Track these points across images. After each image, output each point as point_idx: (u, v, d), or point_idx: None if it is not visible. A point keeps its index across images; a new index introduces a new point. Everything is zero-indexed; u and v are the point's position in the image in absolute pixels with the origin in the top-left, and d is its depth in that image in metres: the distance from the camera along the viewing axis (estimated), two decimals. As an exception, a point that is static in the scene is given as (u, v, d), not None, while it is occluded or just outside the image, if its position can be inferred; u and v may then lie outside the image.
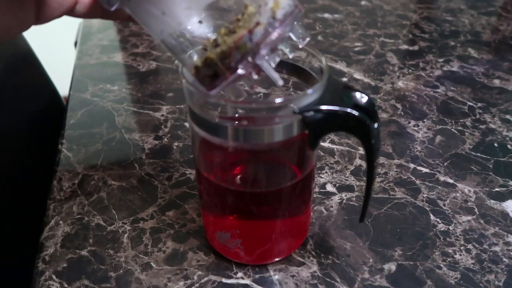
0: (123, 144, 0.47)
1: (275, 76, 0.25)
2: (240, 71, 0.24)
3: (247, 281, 0.33)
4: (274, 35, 0.23)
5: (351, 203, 0.39)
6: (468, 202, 0.40)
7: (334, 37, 0.70)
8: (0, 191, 0.50)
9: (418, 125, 0.50)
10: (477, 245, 0.35)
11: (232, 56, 0.24)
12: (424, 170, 0.43)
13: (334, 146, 0.46)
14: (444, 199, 0.40)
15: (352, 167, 0.43)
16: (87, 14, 0.31)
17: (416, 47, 0.67)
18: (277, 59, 0.25)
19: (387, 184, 0.41)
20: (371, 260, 0.34)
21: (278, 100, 0.25)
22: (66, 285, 0.33)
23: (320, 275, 0.33)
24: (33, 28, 0.31)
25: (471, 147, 0.46)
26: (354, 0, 0.85)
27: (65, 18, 0.32)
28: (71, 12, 0.31)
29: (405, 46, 0.68)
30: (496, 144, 0.47)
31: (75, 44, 0.72)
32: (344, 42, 0.69)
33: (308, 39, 0.26)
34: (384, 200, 0.40)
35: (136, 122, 0.50)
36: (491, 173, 0.43)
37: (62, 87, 0.71)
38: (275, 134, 0.26)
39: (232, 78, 0.24)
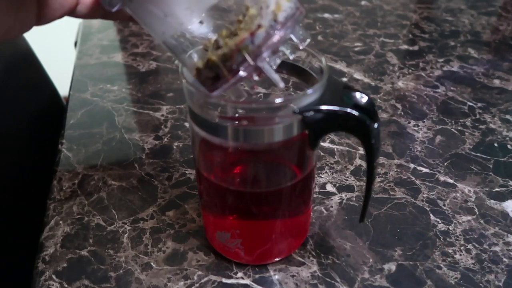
0: (123, 144, 0.47)
1: (277, 78, 0.25)
2: (241, 73, 0.24)
3: (247, 281, 0.33)
4: (276, 37, 0.23)
5: (351, 203, 0.39)
6: (468, 202, 0.40)
7: (334, 37, 0.70)
8: (0, 191, 0.50)
9: (418, 125, 0.50)
10: (477, 245, 0.35)
11: (234, 59, 0.24)
12: (424, 170, 0.43)
13: (334, 146, 0.46)
14: (444, 199, 0.40)
15: (352, 167, 0.43)
16: (88, 14, 0.31)
17: (416, 47, 0.67)
18: (278, 61, 0.26)
19: (387, 184, 0.41)
20: (371, 260, 0.34)
21: (278, 100, 0.25)
22: (66, 285, 0.33)
23: (320, 275, 0.33)
24: (33, 28, 0.31)
25: (471, 147, 0.46)
26: (354, 0, 0.85)
27: (65, 18, 0.32)
28: (72, 12, 0.31)
29: (405, 46, 0.68)
30: (496, 144, 0.47)
31: (75, 44, 0.72)
32: (344, 42, 0.69)
33: (308, 40, 0.26)
34: (384, 200, 0.40)
35: (136, 122, 0.50)
36: (491, 173, 0.43)
37: (62, 87, 0.71)
38: (275, 134, 0.26)
39: (234, 81, 0.24)
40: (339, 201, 0.39)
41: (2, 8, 0.28)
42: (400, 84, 0.58)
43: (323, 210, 0.39)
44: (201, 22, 0.26)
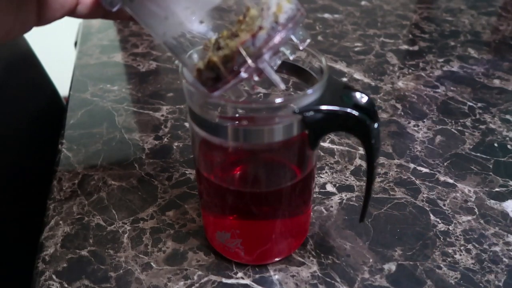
0: (123, 144, 0.47)
1: (277, 79, 0.25)
2: (242, 74, 0.24)
3: (247, 281, 0.33)
4: (277, 39, 0.24)
5: (351, 203, 0.39)
6: (468, 202, 0.40)
7: (334, 37, 0.70)
8: (0, 191, 0.50)
9: (418, 125, 0.50)
10: (477, 245, 0.35)
11: (235, 60, 0.24)
12: (424, 170, 0.43)
13: (334, 146, 0.46)
14: (444, 199, 0.40)
15: (352, 167, 0.43)
16: (89, 14, 0.31)
17: (416, 47, 0.67)
18: (279, 62, 0.26)
19: (387, 184, 0.41)
20: (371, 260, 0.34)
21: (278, 100, 0.25)
22: (66, 285, 0.33)
23: (320, 275, 0.33)
24: (33, 28, 0.31)
25: (471, 147, 0.46)
26: (354, 0, 0.85)
27: (65, 18, 0.32)
28: (72, 13, 0.31)
29: (405, 46, 0.68)
30: (496, 144, 0.47)
31: (75, 44, 0.72)
32: (344, 42, 0.69)
33: (308, 40, 0.26)
34: (384, 200, 0.40)
35: (136, 122, 0.50)
36: (491, 173, 0.43)
37: (62, 87, 0.71)
38: (275, 134, 0.26)
39: (235, 82, 0.24)
40: (339, 201, 0.39)
41: (2, 9, 0.28)
42: (400, 84, 0.58)
43: (323, 210, 0.39)
44: (201, 22, 0.26)
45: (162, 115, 0.51)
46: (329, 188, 0.41)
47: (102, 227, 0.37)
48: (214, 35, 0.26)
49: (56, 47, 1.39)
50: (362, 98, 0.26)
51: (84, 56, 0.65)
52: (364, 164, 0.44)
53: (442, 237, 0.36)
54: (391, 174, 0.43)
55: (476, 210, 0.39)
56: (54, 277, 0.33)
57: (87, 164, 0.44)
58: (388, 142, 0.47)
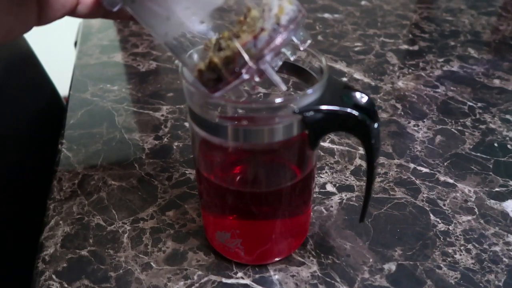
0: (123, 144, 0.47)
1: (279, 80, 0.25)
2: (244, 76, 0.24)
3: (247, 281, 0.33)
4: (278, 40, 0.24)
5: (351, 203, 0.39)
6: (468, 202, 0.40)
7: (334, 37, 0.70)
8: (0, 191, 0.50)
9: (418, 125, 0.50)
10: (477, 245, 0.35)
11: (236, 62, 0.24)
12: (424, 170, 0.43)
13: (334, 146, 0.46)
14: (444, 199, 0.40)
15: (352, 167, 0.43)
16: (89, 14, 0.31)
17: (416, 47, 0.67)
18: (280, 63, 0.26)
19: (387, 184, 0.41)
20: (371, 260, 0.34)
21: (278, 100, 0.25)
22: (66, 285, 0.33)
23: (320, 275, 0.33)
24: (33, 28, 0.31)
25: (471, 147, 0.46)
26: (354, 0, 0.85)
27: (65, 18, 0.32)
28: (73, 12, 0.31)
29: (405, 46, 0.68)
30: (496, 144, 0.47)
31: (75, 44, 0.72)
32: (344, 42, 0.69)
33: (309, 41, 0.26)
34: (384, 200, 0.40)
35: (136, 122, 0.50)
36: (491, 173, 0.43)
37: (62, 87, 0.71)
38: (275, 134, 0.26)
39: (236, 83, 0.24)
40: (339, 201, 0.39)
41: (3, 9, 0.28)
42: (400, 84, 0.58)
43: (323, 210, 0.39)
44: (201, 22, 0.26)
45: (162, 115, 0.51)
46: (329, 188, 0.41)
47: (102, 227, 0.37)
48: (215, 35, 0.26)
49: (56, 47, 1.39)
50: (362, 98, 0.26)
51: (84, 56, 0.65)
52: (364, 164, 0.44)
53: (442, 237, 0.36)
54: (391, 174, 0.43)
55: (476, 210, 0.39)
56: (54, 277, 0.33)
57: (87, 164, 0.44)
58: (388, 142, 0.47)
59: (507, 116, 0.51)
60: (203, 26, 0.26)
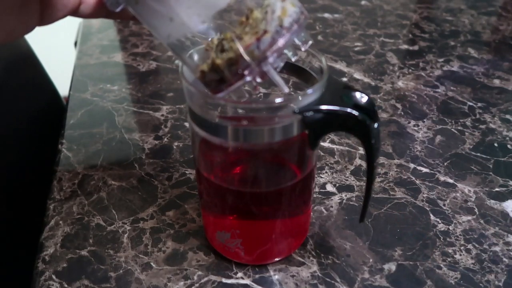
0: (123, 144, 0.47)
1: (281, 82, 0.25)
2: (247, 78, 0.24)
3: (247, 281, 0.33)
4: (281, 42, 0.24)
5: (351, 203, 0.39)
6: (468, 202, 0.40)
7: (334, 37, 0.70)
8: (0, 191, 0.50)
9: (418, 125, 0.50)
10: (477, 245, 0.35)
11: (239, 63, 0.24)
12: (424, 170, 0.43)
13: (334, 146, 0.46)
14: (444, 199, 0.40)
15: (352, 167, 0.43)
16: (92, 14, 0.31)
17: (416, 47, 0.67)
18: (281, 64, 0.26)
19: (387, 184, 0.41)
20: (371, 260, 0.34)
21: (278, 100, 0.25)
22: (66, 285, 0.33)
23: (320, 275, 0.33)
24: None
25: (471, 147, 0.46)
26: (354, 0, 0.85)
27: (66, 18, 0.32)
28: (75, 12, 0.31)
29: (405, 46, 0.68)
30: (496, 144, 0.47)
31: (75, 44, 0.72)
32: (344, 42, 0.69)
33: (310, 42, 0.26)
34: (384, 200, 0.40)
35: (136, 122, 0.50)
36: (491, 173, 0.43)
37: (62, 87, 0.71)
38: (275, 134, 0.26)
39: (238, 84, 0.24)
40: (339, 201, 0.39)
41: (5, 9, 0.27)
42: (400, 84, 0.58)
43: (323, 210, 0.39)
44: (203, 22, 0.26)
45: (162, 115, 0.51)
46: (329, 188, 0.41)
47: (102, 227, 0.37)
48: (215, 35, 0.26)
49: (56, 47, 1.39)
50: (362, 98, 0.26)
51: (84, 56, 0.65)
52: (364, 164, 0.44)
53: (442, 237, 0.36)
54: (391, 174, 0.43)
55: (476, 210, 0.39)
56: (54, 277, 0.33)
57: (87, 164, 0.44)
58: (388, 142, 0.47)
59: (507, 116, 0.51)
60: (203, 26, 0.26)
